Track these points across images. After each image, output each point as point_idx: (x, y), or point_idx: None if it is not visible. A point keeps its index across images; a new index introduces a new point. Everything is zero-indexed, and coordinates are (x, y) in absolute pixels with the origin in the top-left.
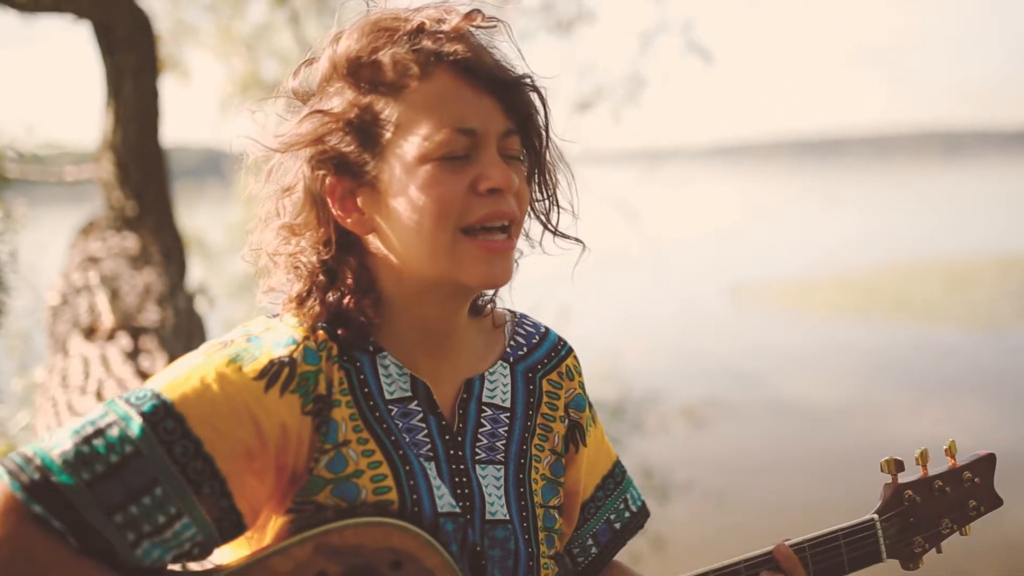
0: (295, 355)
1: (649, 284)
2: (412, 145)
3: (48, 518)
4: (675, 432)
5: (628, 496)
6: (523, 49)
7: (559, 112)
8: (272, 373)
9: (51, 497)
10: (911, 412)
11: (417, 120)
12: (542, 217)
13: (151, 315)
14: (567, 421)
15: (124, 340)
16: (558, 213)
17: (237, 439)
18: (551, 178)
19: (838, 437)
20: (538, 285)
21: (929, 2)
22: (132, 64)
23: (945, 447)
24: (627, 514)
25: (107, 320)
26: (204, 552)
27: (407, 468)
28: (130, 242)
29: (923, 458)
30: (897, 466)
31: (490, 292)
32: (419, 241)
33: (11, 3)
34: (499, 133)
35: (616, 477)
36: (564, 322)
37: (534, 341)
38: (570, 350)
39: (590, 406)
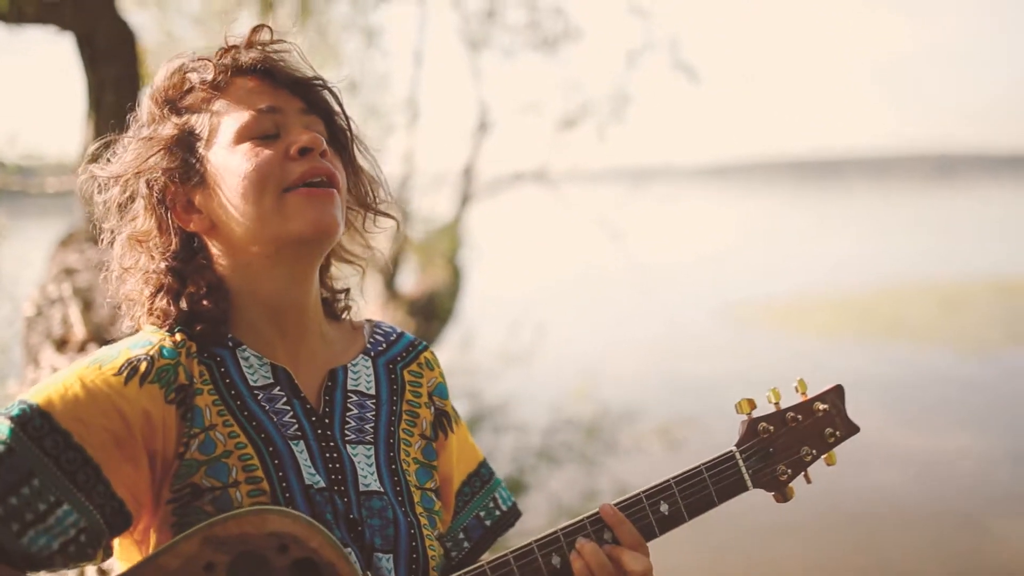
0: (152, 352)
1: (633, 304)
2: (226, 135)
3: None
4: (651, 452)
5: (497, 495)
6: (507, 66)
7: (545, 129)
8: (131, 368)
9: None
10: (901, 434)
11: (227, 114)
12: (362, 199)
13: (124, 328)
14: (432, 408)
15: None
16: (374, 198)
17: (103, 428)
18: (362, 166)
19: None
20: (515, 303)
21: (930, 22)
22: (114, 76)
23: (795, 384)
24: (497, 512)
25: (79, 332)
26: (93, 540)
27: (271, 449)
28: (106, 255)
29: (775, 395)
30: (750, 405)
31: (343, 298)
32: (248, 210)
33: None
34: (298, 110)
35: (483, 476)
36: (541, 341)
37: (392, 339)
38: (427, 346)
39: (453, 408)
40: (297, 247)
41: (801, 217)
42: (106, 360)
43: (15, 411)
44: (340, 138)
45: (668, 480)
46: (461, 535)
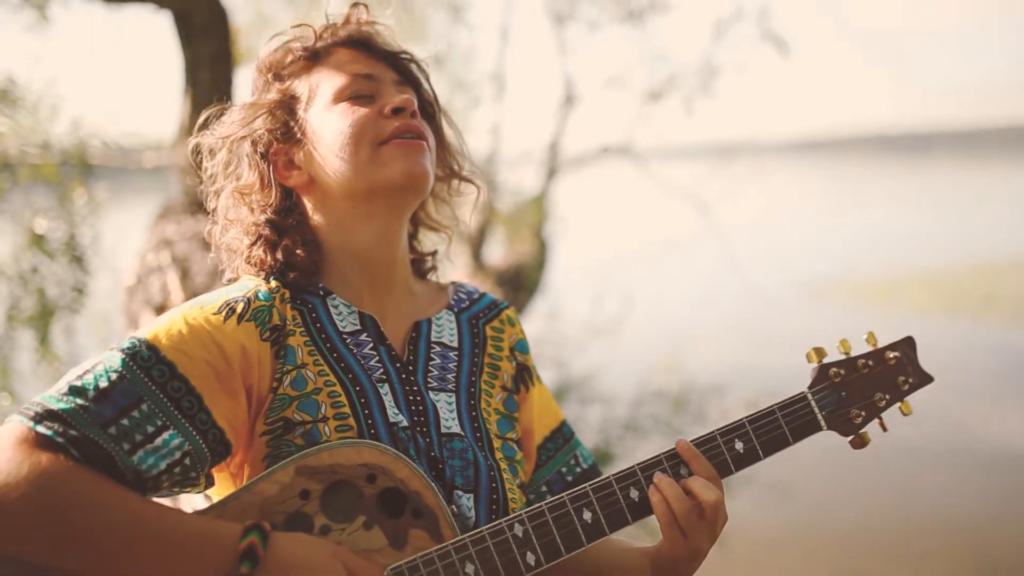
0: (248, 295)
1: (720, 278)
2: (325, 96)
3: (52, 437)
4: None
5: (578, 453)
6: (593, 39)
7: (631, 103)
8: (229, 308)
9: (52, 420)
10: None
11: (327, 79)
12: (448, 167)
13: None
14: (514, 362)
15: None
16: (459, 167)
17: (204, 360)
18: (445, 136)
19: (912, 436)
20: (602, 275)
21: None
22: (209, 54)
23: (865, 336)
24: (578, 469)
25: (177, 298)
26: (196, 464)
27: (357, 388)
28: (203, 225)
29: (844, 347)
30: (820, 353)
31: (429, 256)
32: (344, 163)
33: None
34: (392, 80)
35: (564, 435)
36: (627, 313)
37: (474, 297)
38: (508, 306)
39: (533, 365)
40: (389, 197)
41: (889, 192)
42: (207, 302)
43: (126, 345)
44: (428, 109)
45: (742, 419)
46: (544, 488)
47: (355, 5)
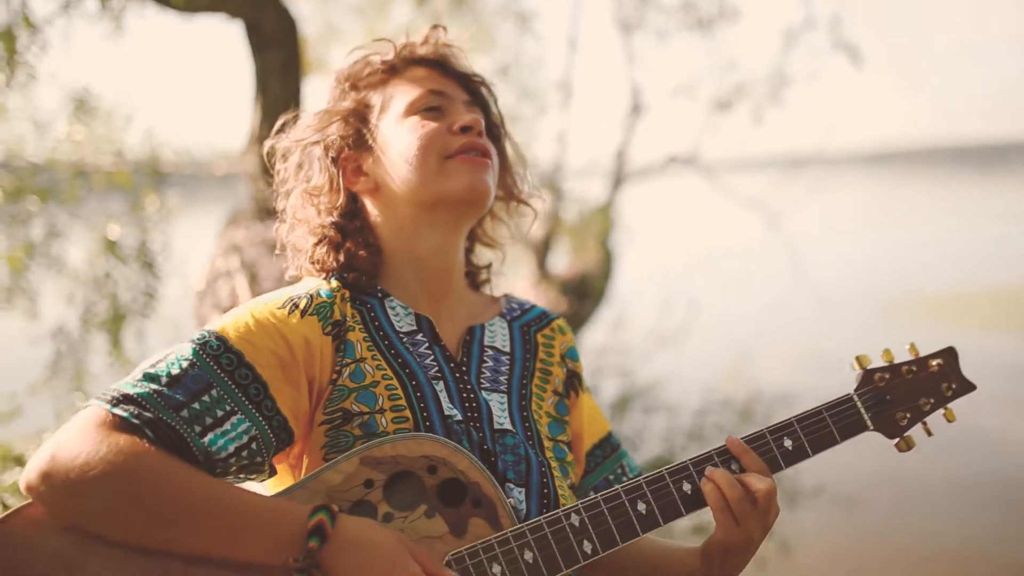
0: (311, 292)
1: (787, 289)
2: (397, 108)
3: (128, 418)
4: None
5: (625, 464)
6: (661, 49)
7: (699, 112)
8: (292, 303)
9: (128, 404)
10: None
11: (401, 92)
12: (508, 189)
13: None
14: (565, 368)
15: None
16: (519, 190)
17: (270, 351)
18: (508, 156)
19: (983, 455)
20: (668, 285)
21: None
22: (278, 63)
23: (907, 347)
24: (624, 478)
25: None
26: (262, 449)
27: (414, 383)
28: (271, 231)
29: (887, 356)
30: (867, 360)
31: (484, 268)
32: (411, 173)
33: (168, 3)
34: (463, 100)
35: (612, 444)
36: (693, 322)
37: (526, 307)
38: (558, 317)
39: (583, 376)
40: (451, 208)
41: (963, 205)
42: (271, 299)
43: (196, 336)
44: (494, 131)
45: (790, 419)
46: (592, 493)
47: (435, 27)
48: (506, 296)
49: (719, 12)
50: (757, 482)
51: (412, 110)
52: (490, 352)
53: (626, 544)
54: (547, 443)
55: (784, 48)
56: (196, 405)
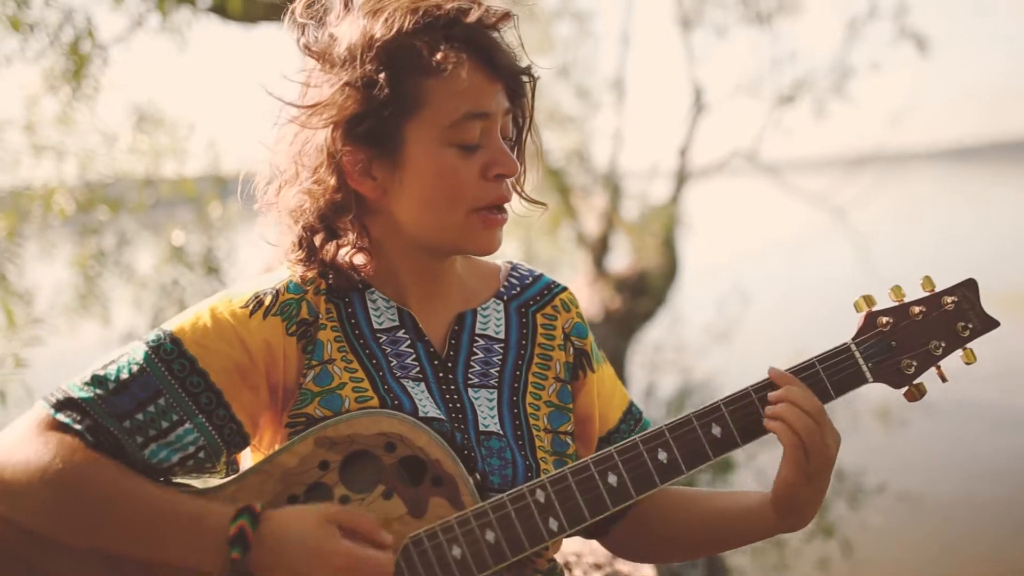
0: (278, 287)
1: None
2: (436, 127)
3: (69, 424)
4: (868, 432)
5: None
6: (721, 44)
7: (761, 108)
8: (256, 302)
9: (71, 409)
10: None
11: (443, 103)
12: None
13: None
14: (571, 349)
15: None
16: (525, 178)
17: (226, 356)
18: (525, 150)
19: None
20: (727, 281)
21: None
22: None
23: (921, 281)
24: None
25: None
26: (211, 457)
27: (386, 387)
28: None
29: (897, 293)
30: (869, 301)
31: None
32: (430, 216)
33: (227, 15)
34: (503, 114)
35: (635, 415)
36: (752, 318)
37: (527, 282)
38: (564, 288)
39: (595, 347)
40: (456, 252)
41: None
42: (236, 294)
43: (151, 337)
44: (519, 120)
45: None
46: None
47: (497, 14)
48: (508, 266)
49: (778, 5)
50: (808, 402)
51: (451, 139)
52: (481, 342)
53: (672, 503)
54: (544, 436)
55: (847, 39)
56: (140, 416)
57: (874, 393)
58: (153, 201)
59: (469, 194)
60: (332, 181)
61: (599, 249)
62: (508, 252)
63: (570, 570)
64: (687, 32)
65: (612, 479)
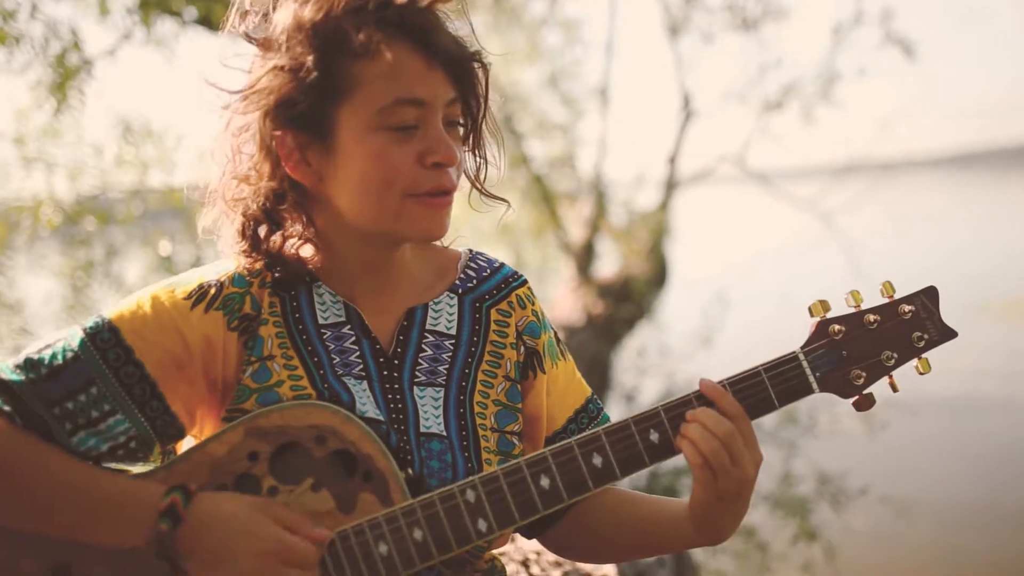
0: (223, 279)
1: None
2: (366, 111)
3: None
4: (851, 435)
5: None
6: (707, 51)
7: (748, 114)
8: (199, 294)
9: (2, 391)
10: None
11: (375, 87)
12: (472, 176)
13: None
14: (522, 348)
15: None
16: (486, 172)
17: (164, 348)
18: (483, 141)
19: None
20: (712, 287)
21: None
22: None
23: (880, 286)
24: None
25: None
26: (143, 447)
27: (326, 385)
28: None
29: (855, 298)
30: (824, 307)
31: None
32: (365, 202)
33: (214, 27)
34: (445, 102)
35: (591, 412)
36: (740, 325)
37: (485, 274)
38: (524, 282)
39: (558, 341)
40: (399, 239)
41: None
42: (181, 283)
43: (89, 324)
44: (473, 108)
45: (722, 380)
46: None
47: None
48: (468, 254)
49: (764, 11)
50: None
51: (382, 122)
52: (430, 339)
53: (606, 506)
54: (491, 436)
55: (834, 45)
56: (70, 404)
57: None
58: (141, 212)
59: (403, 179)
60: (267, 168)
61: (584, 255)
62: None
63: (528, 567)
64: (674, 39)
65: (544, 482)
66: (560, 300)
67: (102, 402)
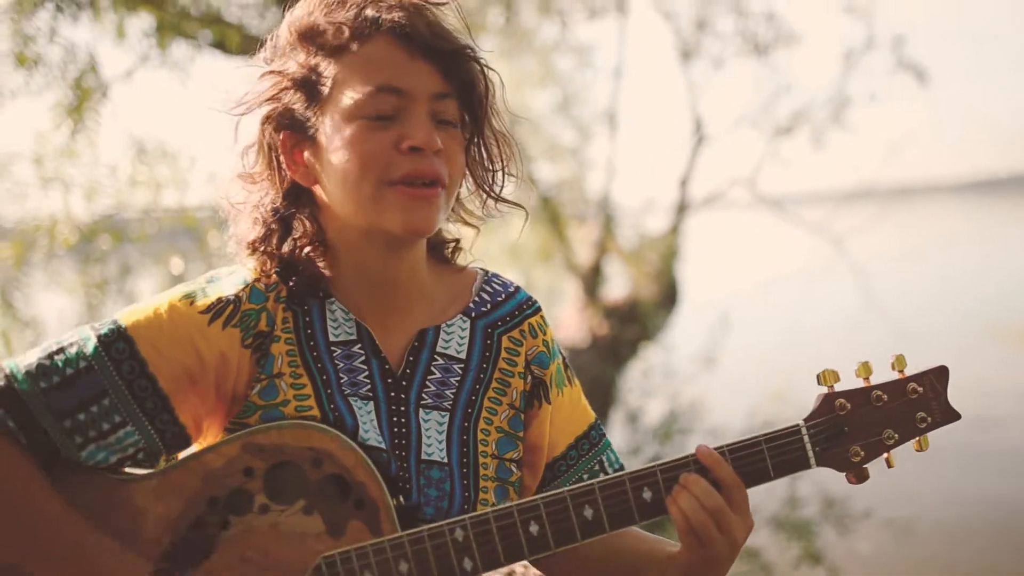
0: (241, 294)
1: (852, 314)
2: (345, 102)
3: (4, 419)
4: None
5: (604, 458)
6: (718, 76)
7: (759, 139)
8: (217, 309)
9: (11, 401)
10: None
11: (352, 79)
12: (481, 182)
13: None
14: (529, 378)
15: None
16: (503, 180)
17: (178, 363)
18: (494, 146)
19: None
20: (721, 309)
21: None
22: None
23: (892, 360)
24: (601, 475)
25: None
26: (150, 458)
27: (332, 405)
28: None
29: (864, 370)
30: (834, 377)
31: (452, 243)
32: (346, 192)
33: (226, 50)
34: (431, 95)
35: (592, 439)
36: (740, 341)
37: (499, 299)
38: (537, 309)
39: (567, 367)
40: (389, 236)
41: None
42: (199, 296)
43: (104, 330)
44: (475, 109)
45: (722, 447)
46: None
47: None
48: (484, 276)
49: (776, 36)
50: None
51: (357, 113)
52: (440, 362)
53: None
54: (490, 463)
55: (845, 70)
56: (82, 415)
57: None
58: (155, 231)
59: (380, 164)
60: (273, 173)
61: (591, 277)
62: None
63: None
64: (686, 64)
65: (533, 528)
66: (566, 321)
67: (113, 414)
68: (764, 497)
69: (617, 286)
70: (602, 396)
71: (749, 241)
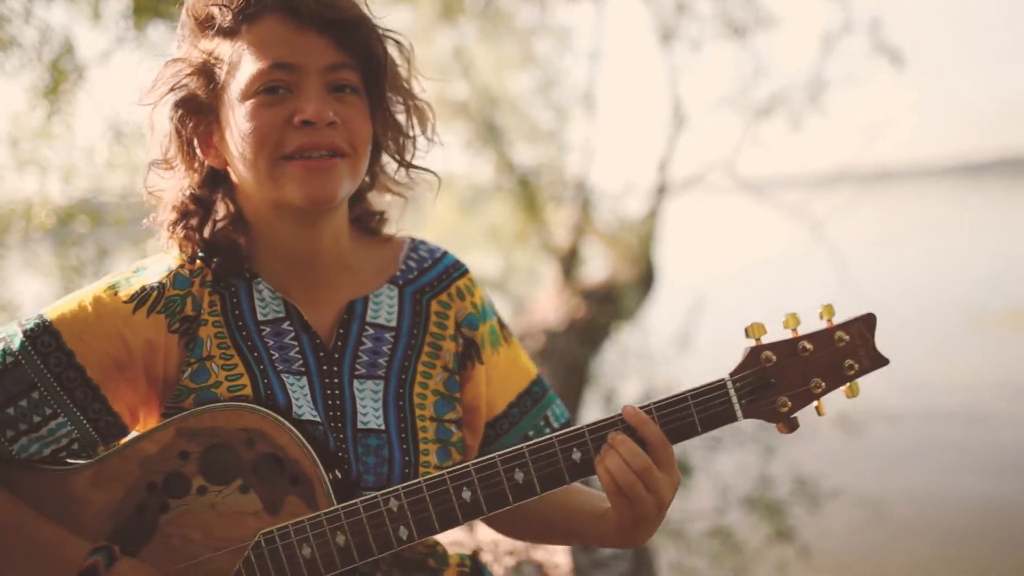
0: (165, 281)
1: (834, 297)
2: (239, 82)
3: None
4: (829, 438)
5: (550, 412)
6: (697, 59)
7: (738, 121)
8: (141, 297)
9: None
10: None
11: (244, 60)
12: (390, 150)
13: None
14: (460, 339)
15: None
16: (413, 146)
17: (105, 352)
18: (402, 113)
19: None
20: (697, 291)
21: None
22: None
23: (820, 310)
24: (547, 430)
25: None
26: (86, 448)
27: (265, 381)
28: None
29: (793, 321)
30: (760, 330)
31: (378, 214)
32: (247, 170)
33: None
34: (323, 67)
35: (535, 394)
36: (725, 329)
37: (426, 265)
38: (464, 272)
39: (503, 326)
40: (295, 210)
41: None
42: (123, 286)
43: (30, 325)
44: (376, 76)
45: (648, 405)
46: None
47: None
48: (411, 243)
49: (755, 19)
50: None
51: (251, 91)
52: (371, 331)
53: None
54: (429, 425)
55: (822, 53)
56: (11, 410)
57: (831, 398)
58: (132, 214)
59: (273, 139)
60: (187, 157)
61: (568, 259)
62: (486, 264)
63: (476, 557)
64: (665, 46)
65: (466, 495)
66: (543, 303)
67: (43, 406)
68: (737, 477)
69: (595, 268)
70: (578, 377)
71: (728, 225)
